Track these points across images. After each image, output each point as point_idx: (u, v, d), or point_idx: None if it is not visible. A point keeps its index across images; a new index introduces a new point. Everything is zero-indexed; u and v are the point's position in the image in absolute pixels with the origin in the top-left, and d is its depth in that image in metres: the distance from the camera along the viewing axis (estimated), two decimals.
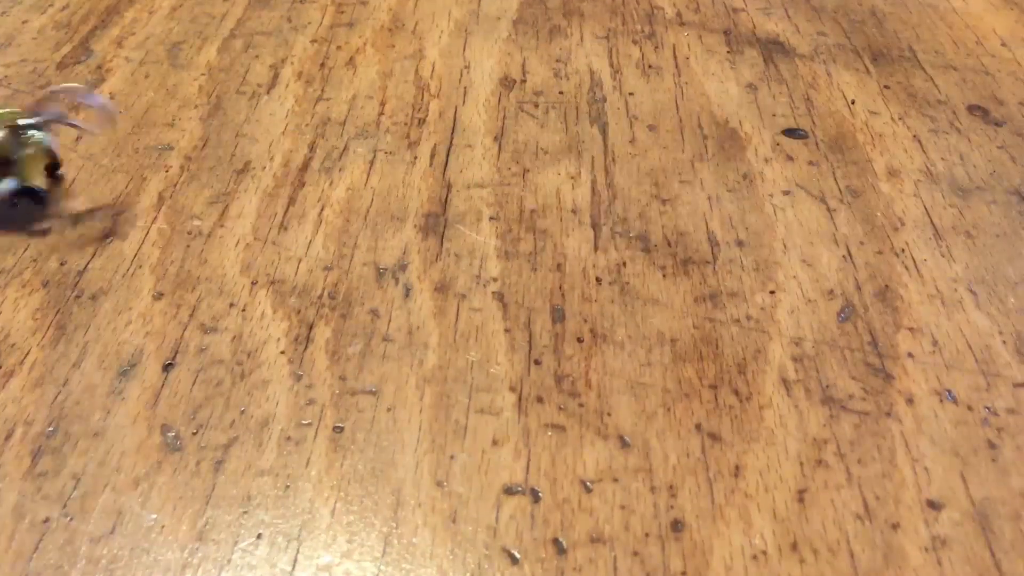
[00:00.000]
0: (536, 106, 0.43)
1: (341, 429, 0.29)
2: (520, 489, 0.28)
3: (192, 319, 0.33)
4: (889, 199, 0.38)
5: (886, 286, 0.34)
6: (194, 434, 0.29)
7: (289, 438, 0.29)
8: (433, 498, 0.27)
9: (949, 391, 0.31)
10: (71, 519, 0.27)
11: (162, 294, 0.34)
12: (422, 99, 0.44)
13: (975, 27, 0.50)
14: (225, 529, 0.27)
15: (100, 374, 0.31)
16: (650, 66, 0.46)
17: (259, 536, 0.27)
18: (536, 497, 0.27)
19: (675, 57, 0.47)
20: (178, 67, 0.46)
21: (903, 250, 0.36)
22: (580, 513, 0.27)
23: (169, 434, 0.29)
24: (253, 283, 0.34)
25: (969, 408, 0.30)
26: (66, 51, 0.47)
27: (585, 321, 0.33)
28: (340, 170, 0.39)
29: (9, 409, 0.30)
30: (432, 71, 0.46)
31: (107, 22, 0.49)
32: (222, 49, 0.47)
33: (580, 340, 0.32)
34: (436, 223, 0.37)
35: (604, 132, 0.42)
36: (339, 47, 0.48)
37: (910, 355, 0.32)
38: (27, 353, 0.32)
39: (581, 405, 0.30)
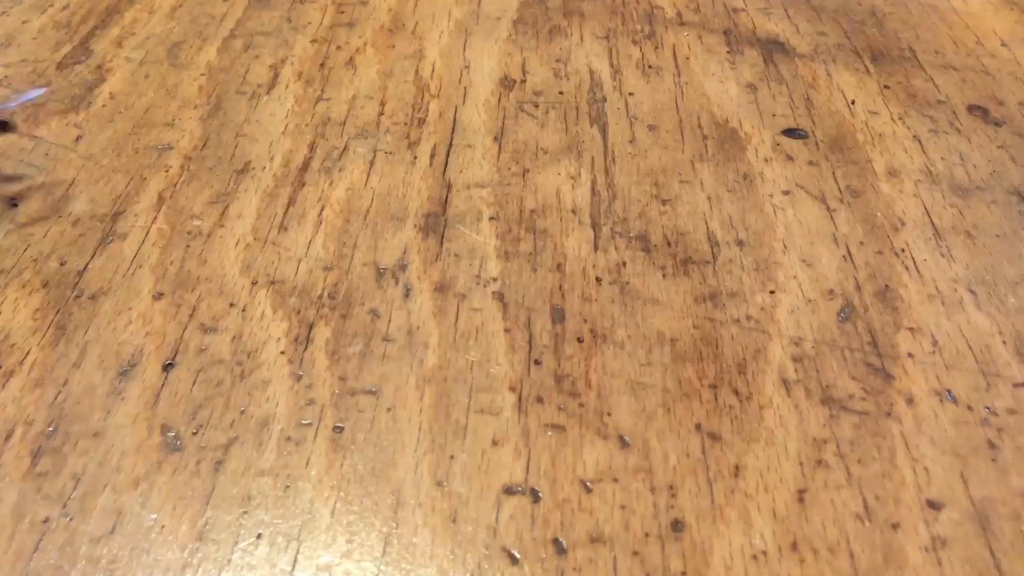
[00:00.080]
0: (536, 106, 0.43)
1: (341, 429, 0.29)
2: (520, 489, 0.28)
3: (192, 319, 0.33)
4: (889, 199, 0.38)
5: (886, 286, 0.34)
6: (194, 434, 0.29)
7: (289, 438, 0.29)
8: (433, 498, 0.27)
9: (949, 391, 0.31)
10: (71, 519, 0.27)
11: (162, 294, 0.34)
12: (422, 99, 0.44)
13: (975, 27, 0.50)
14: (225, 529, 0.27)
15: (100, 374, 0.31)
16: (650, 66, 0.46)
17: (259, 536, 0.27)
18: (536, 497, 0.27)
19: (675, 57, 0.47)
20: (178, 67, 0.46)
21: (903, 250, 0.36)
22: (580, 513, 0.27)
23: (169, 434, 0.29)
24: (253, 283, 0.34)
25: (969, 408, 0.30)
26: (66, 51, 0.47)
27: (585, 321, 0.33)
28: (340, 170, 0.39)
29: (9, 409, 0.30)
30: (432, 71, 0.46)
31: (107, 22, 0.49)
32: (222, 49, 0.47)
33: (580, 340, 0.32)
34: (436, 223, 0.37)
35: (604, 132, 0.42)
36: (339, 47, 0.48)
37: (910, 355, 0.32)
38: (27, 353, 0.32)
39: (581, 405, 0.30)
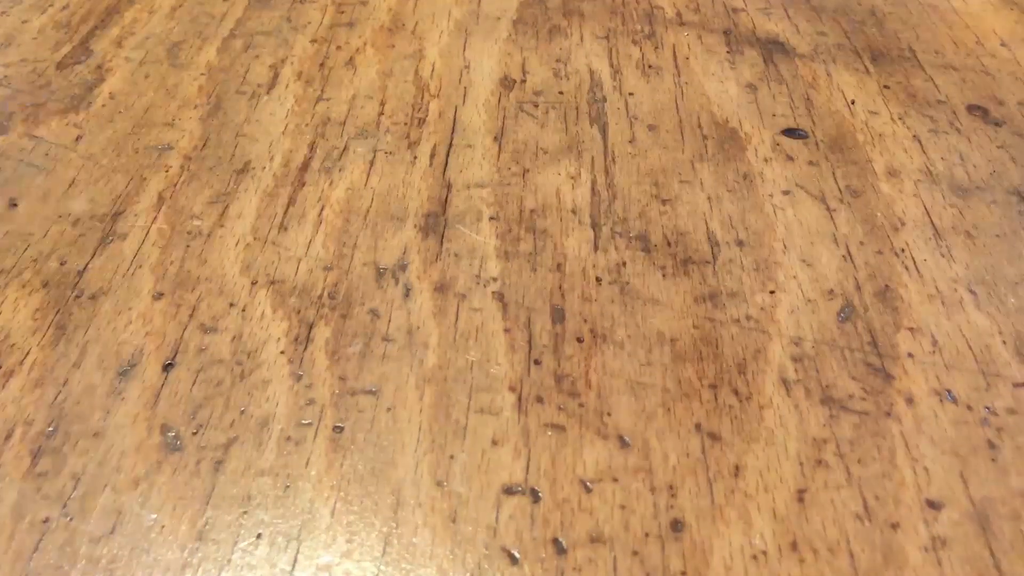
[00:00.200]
0: (536, 106, 0.43)
1: (341, 429, 0.29)
2: (520, 489, 0.28)
3: (192, 319, 0.33)
4: (889, 199, 0.38)
5: (886, 286, 0.34)
6: (194, 434, 0.29)
7: (289, 438, 0.29)
8: (433, 498, 0.27)
9: (949, 391, 0.31)
10: (71, 519, 0.27)
11: (162, 294, 0.34)
12: (422, 99, 0.44)
13: (975, 27, 0.50)
14: (225, 529, 0.27)
15: (100, 374, 0.31)
16: (650, 66, 0.46)
17: (259, 536, 0.27)
18: (536, 497, 0.27)
19: (675, 57, 0.47)
20: (178, 67, 0.46)
21: (903, 250, 0.36)
22: (580, 513, 0.27)
23: (169, 434, 0.29)
24: (253, 283, 0.34)
25: (969, 408, 0.30)
26: (66, 51, 0.47)
27: (585, 321, 0.33)
28: (340, 170, 0.39)
29: (9, 409, 0.30)
30: (432, 71, 0.46)
31: (107, 22, 0.49)
32: (222, 49, 0.47)
33: (580, 340, 0.32)
34: (436, 223, 0.37)
35: (604, 132, 0.42)
36: (339, 47, 0.48)
37: (910, 355, 0.32)
38: (27, 353, 0.32)
39: (581, 405, 0.30)
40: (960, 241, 0.36)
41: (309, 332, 0.32)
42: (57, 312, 0.33)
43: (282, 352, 0.32)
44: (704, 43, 0.48)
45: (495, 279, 0.34)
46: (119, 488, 0.28)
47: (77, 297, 0.34)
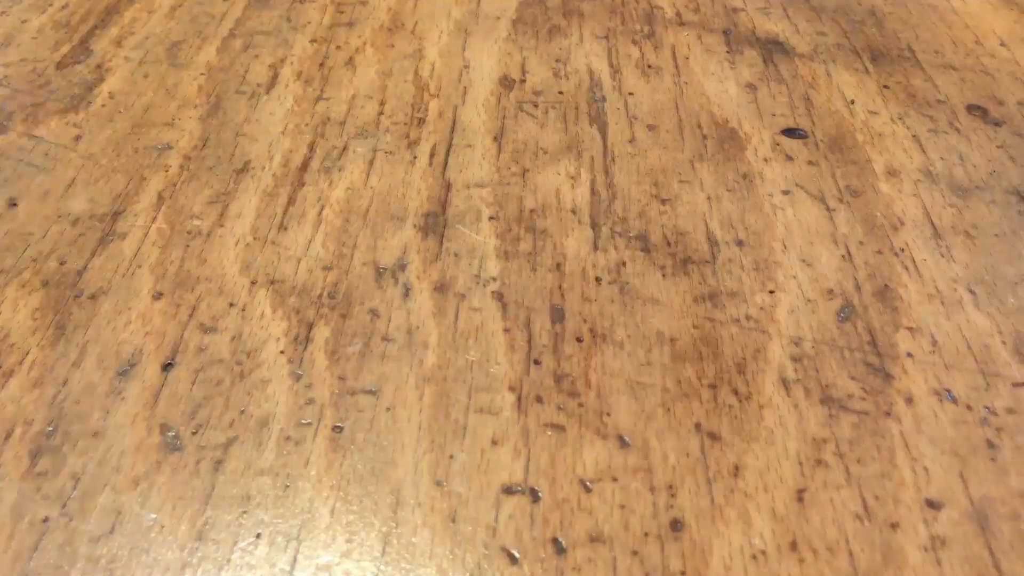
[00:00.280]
0: (536, 106, 0.43)
1: (340, 429, 0.29)
2: (519, 489, 0.28)
3: (191, 319, 0.33)
4: (888, 199, 0.38)
5: (885, 286, 0.34)
6: (193, 434, 0.29)
7: (288, 438, 0.29)
8: (432, 498, 0.27)
9: (948, 391, 0.31)
10: (70, 519, 0.27)
11: (161, 294, 0.34)
12: (422, 99, 0.44)
13: (974, 27, 0.50)
14: (224, 529, 0.27)
15: (99, 374, 0.31)
16: (649, 66, 0.46)
17: (258, 536, 0.27)
18: (535, 497, 0.27)
19: (674, 57, 0.47)
20: (177, 67, 0.46)
21: (902, 250, 0.36)
22: (579, 513, 0.27)
23: (168, 434, 0.29)
24: (252, 283, 0.34)
25: (968, 408, 0.30)
26: (65, 51, 0.47)
27: (584, 321, 0.33)
28: (340, 170, 0.39)
29: (8, 409, 0.30)
30: (432, 71, 0.46)
31: (106, 22, 0.49)
32: (221, 49, 0.47)
33: (579, 340, 0.32)
34: (436, 223, 0.37)
35: (603, 132, 0.42)
36: (339, 47, 0.48)
37: (909, 355, 0.32)
38: (27, 353, 0.32)
39: (580, 405, 0.30)
40: (959, 241, 0.36)
41: (309, 332, 0.32)
42: (57, 312, 0.33)
43: (282, 352, 0.32)
44: (704, 43, 0.48)
45: (495, 279, 0.34)
46: (119, 488, 0.28)
47: (77, 297, 0.34)
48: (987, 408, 0.30)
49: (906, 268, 0.35)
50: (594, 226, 0.37)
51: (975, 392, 0.31)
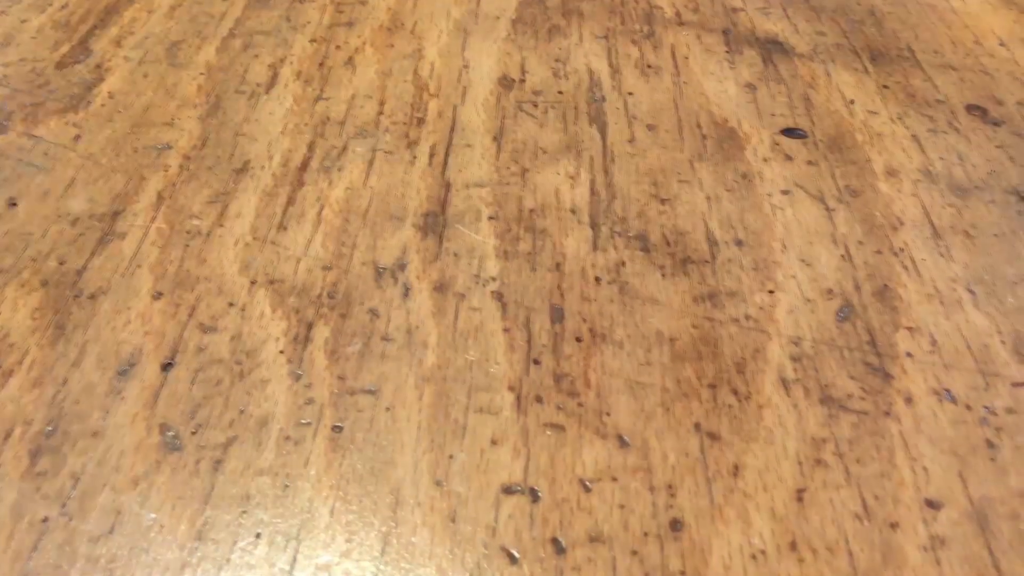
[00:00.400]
0: (535, 106, 0.43)
1: (340, 429, 0.29)
2: (519, 488, 0.28)
3: (191, 318, 0.33)
4: (888, 199, 0.38)
5: (885, 285, 0.34)
6: (193, 434, 0.29)
7: (288, 437, 0.29)
8: (432, 497, 0.27)
9: (948, 390, 0.31)
10: (70, 519, 0.27)
11: (161, 293, 0.34)
12: (421, 99, 0.44)
13: (973, 27, 0.50)
14: (224, 529, 0.27)
15: (99, 373, 0.31)
16: (649, 66, 0.46)
17: (258, 535, 0.27)
18: (535, 496, 0.27)
19: (674, 57, 0.47)
20: (177, 66, 0.46)
21: (902, 249, 0.36)
22: (579, 512, 0.27)
23: (168, 434, 0.29)
24: (252, 283, 0.34)
25: (968, 407, 0.30)
26: (65, 50, 0.47)
27: (584, 321, 0.33)
28: (339, 170, 0.39)
29: (8, 408, 0.30)
30: (431, 71, 0.46)
31: (106, 21, 0.49)
32: (221, 48, 0.47)
33: (579, 340, 0.32)
34: (435, 223, 0.37)
35: (603, 132, 0.42)
36: (338, 47, 0.48)
37: (909, 355, 0.32)
38: (26, 352, 0.32)
39: (580, 405, 0.30)
40: (959, 241, 0.36)
41: (308, 331, 0.32)
42: (56, 311, 0.33)
43: (281, 351, 0.32)
44: (703, 43, 0.48)
45: (494, 279, 0.34)
46: (118, 488, 0.28)
47: (76, 296, 0.34)
48: (986, 408, 0.30)
49: (905, 268, 0.35)
50: (593, 226, 0.37)
51: (974, 392, 0.31)
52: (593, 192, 0.38)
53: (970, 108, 0.44)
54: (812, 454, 0.29)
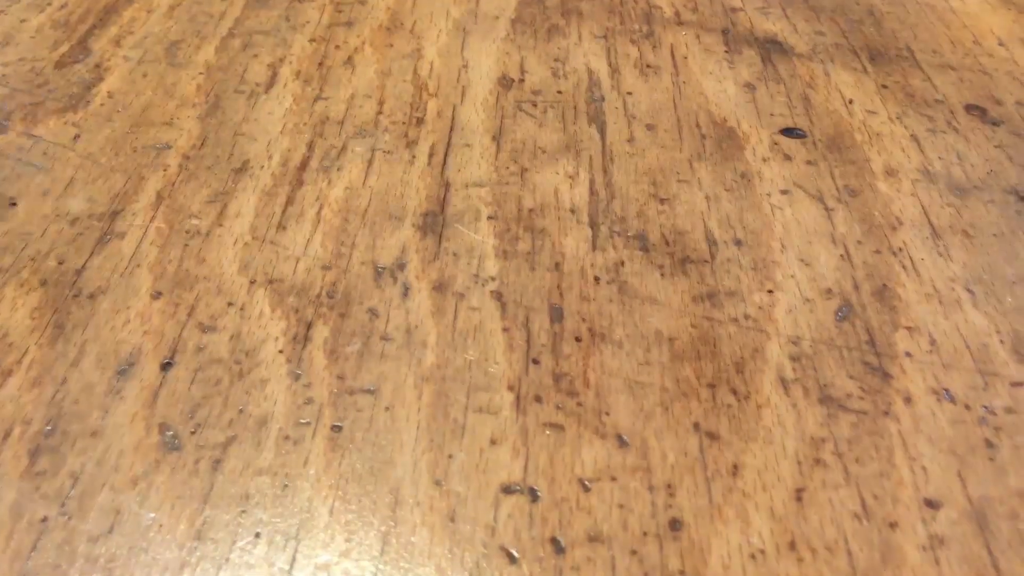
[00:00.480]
0: (534, 105, 0.43)
1: (339, 428, 0.29)
2: (518, 488, 0.28)
3: (190, 318, 0.33)
4: (887, 198, 0.38)
5: (884, 285, 0.34)
6: (192, 433, 0.29)
7: (287, 437, 0.29)
8: (431, 497, 0.27)
9: (947, 390, 0.31)
10: (69, 518, 0.27)
11: (160, 293, 0.34)
12: (420, 98, 0.44)
13: (973, 27, 0.50)
14: (223, 528, 0.27)
15: (98, 373, 0.31)
16: (648, 66, 0.46)
17: (257, 535, 0.27)
18: (534, 496, 0.27)
19: (673, 57, 0.47)
20: (176, 66, 0.46)
21: (901, 249, 0.36)
22: (578, 512, 0.27)
23: (167, 433, 0.29)
24: (251, 282, 0.34)
25: (967, 407, 0.30)
26: (64, 50, 0.47)
27: (583, 320, 0.33)
28: (338, 169, 0.39)
29: (7, 408, 0.30)
30: (430, 70, 0.46)
31: (105, 21, 0.49)
32: (220, 48, 0.47)
33: (578, 339, 0.32)
34: (434, 222, 0.37)
35: (602, 131, 0.42)
36: (337, 46, 0.48)
37: (908, 354, 0.32)
38: (25, 352, 0.32)
39: (579, 404, 0.30)
40: (958, 240, 0.36)
41: (307, 331, 0.32)
42: (55, 311, 0.33)
43: (280, 351, 0.32)
44: (702, 42, 0.48)
45: (493, 278, 0.34)
46: (117, 487, 0.28)
47: (75, 296, 0.34)
48: (985, 407, 0.30)
49: (904, 268, 0.35)
50: (593, 225, 0.37)
51: (973, 391, 0.31)
52: (592, 192, 0.38)
53: (969, 108, 0.44)
54: (811, 454, 0.29)
